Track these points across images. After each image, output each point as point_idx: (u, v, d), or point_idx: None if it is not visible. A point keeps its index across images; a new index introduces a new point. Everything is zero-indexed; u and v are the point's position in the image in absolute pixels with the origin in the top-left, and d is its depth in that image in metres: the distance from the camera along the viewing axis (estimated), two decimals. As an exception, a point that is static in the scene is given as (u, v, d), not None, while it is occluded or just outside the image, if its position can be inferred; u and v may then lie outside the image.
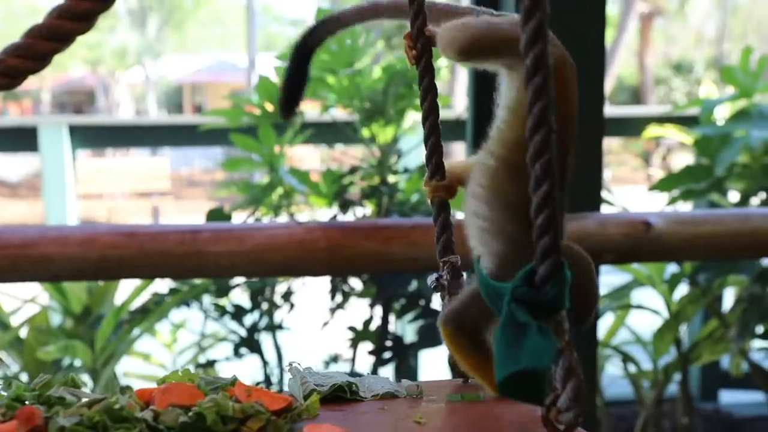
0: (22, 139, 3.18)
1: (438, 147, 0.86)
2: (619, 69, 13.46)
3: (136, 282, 2.24)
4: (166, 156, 10.45)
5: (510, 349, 0.64)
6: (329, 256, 1.50)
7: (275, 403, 0.69)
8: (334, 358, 2.37)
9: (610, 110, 3.18)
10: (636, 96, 14.96)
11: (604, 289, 2.39)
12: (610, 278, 2.57)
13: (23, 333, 2.21)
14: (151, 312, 2.17)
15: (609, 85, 11.38)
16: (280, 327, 2.36)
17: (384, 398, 0.78)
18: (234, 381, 0.73)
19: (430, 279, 0.85)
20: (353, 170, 2.37)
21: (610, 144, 10.48)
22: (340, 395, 0.77)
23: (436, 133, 0.86)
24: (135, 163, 9.40)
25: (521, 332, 0.64)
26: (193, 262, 1.50)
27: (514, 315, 0.65)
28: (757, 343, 2.63)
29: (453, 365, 0.83)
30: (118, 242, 1.50)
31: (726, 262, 2.05)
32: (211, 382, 0.73)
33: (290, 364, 0.80)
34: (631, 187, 9.38)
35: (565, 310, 0.65)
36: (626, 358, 2.35)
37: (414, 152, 2.66)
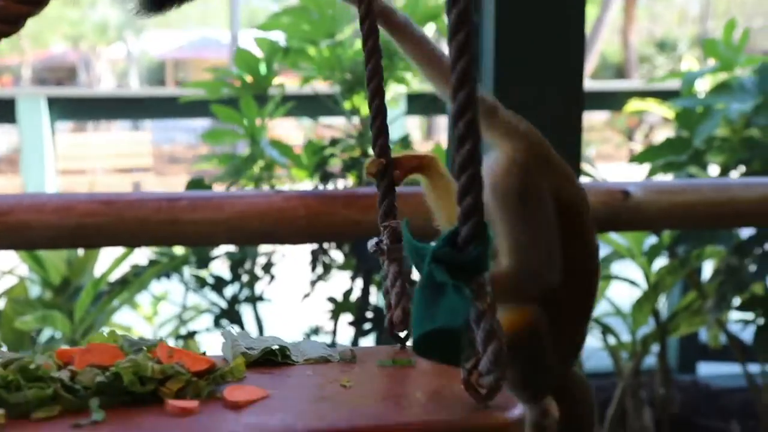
0: (1, 110, 3.15)
1: (383, 129, 0.84)
2: (603, 46, 13.46)
3: (115, 254, 2.23)
4: (148, 132, 10.38)
5: (427, 308, 0.64)
6: (308, 224, 1.50)
7: (197, 364, 0.69)
8: (315, 330, 2.37)
9: (592, 84, 3.18)
10: (619, 73, 14.97)
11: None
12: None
13: (1, 304, 2.20)
14: (130, 283, 2.16)
15: (592, 62, 11.38)
16: (260, 299, 2.36)
17: (317, 363, 0.77)
18: (158, 342, 0.72)
19: (370, 243, 0.84)
20: (334, 142, 2.36)
21: (594, 121, 10.49)
22: (272, 359, 0.76)
23: (382, 116, 0.85)
24: (116, 138, 9.33)
25: (439, 292, 0.64)
26: (170, 230, 1.49)
27: (433, 275, 0.64)
28: (734, 315, 2.66)
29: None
30: (95, 210, 1.49)
31: (704, 233, 2.06)
32: (135, 343, 0.73)
33: (224, 329, 0.79)
34: (614, 164, 9.42)
35: (487, 272, 0.64)
36: (606, 330, 2.37)
37: (395, 124, 2.65)
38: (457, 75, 0.62)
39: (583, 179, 1.60)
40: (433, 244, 0.66)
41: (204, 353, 0.74)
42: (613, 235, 2.31)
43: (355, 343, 2.24)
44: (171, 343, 0.78)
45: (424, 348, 0.65)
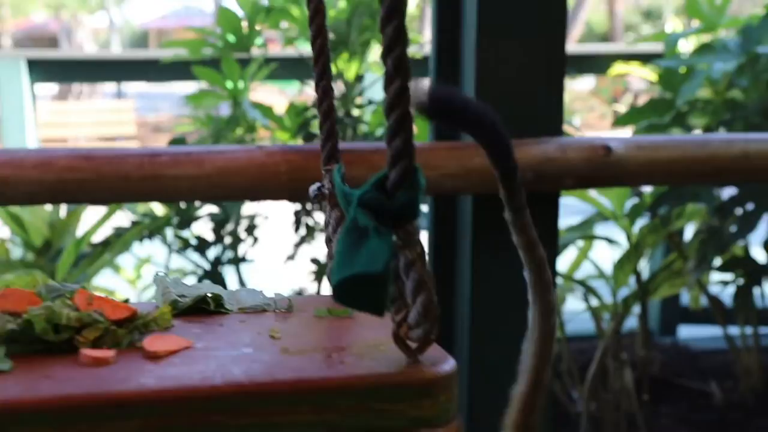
0: (-20, 74, 3.11)
1: (331, 112, 0.81)
2: (589, 15, 13.42)
3: (97, 215, 2.22)
4: (131, 100, 10.29)
5: (347, 254, 0.60)
6: (290, 179, 1.49)
7: (117, 312, 0.65)
8: (299, 293, 2.37)
9: (576, 48, 3.17)
10: (605, 41, 14.94)
11: (567, 221, 2.41)
12: (572, 209, 2.60)
13: (-18, 266, 2.18)
14: (112, 244, 2.15)
15: (578, 31, 11.34)
16: (243, 260, 2.35)
17: (252, 312, 0.74)
18: (78, 288, 0.68)
19: (312, 188, 0.81)
20: (313, 105, 2.36)
21: (579, 91, 10.48)
22: (205, 308, 0.73)
23: (329, 98, 0.81)
24: (99, 107, 9.24)
25: (361, 237, 0.60)
26: (151, 185, 1.48)
27: (357, 220, 0.61)
28: (715, 277, 2.68)
29: None
30: (75, 165, 1.48)
31: (685, 192, 2.07)
32: (55, 289, 0.69)
33: (156, 274, 0.76)
34: (599, 133, 9.41)
35: (417, 219, 0.60)
36: (588, 290, 2.38)
37: (378, 85, 2.64)
38: (386, 8, 0.57)
39: (565, 136, 1.59)
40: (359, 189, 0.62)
41: (127, 300, 0.70)
42: (595, 194, 2.31)
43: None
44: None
45: (343, 295, 0.60)
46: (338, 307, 0.75)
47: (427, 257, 0.61)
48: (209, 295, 0.74)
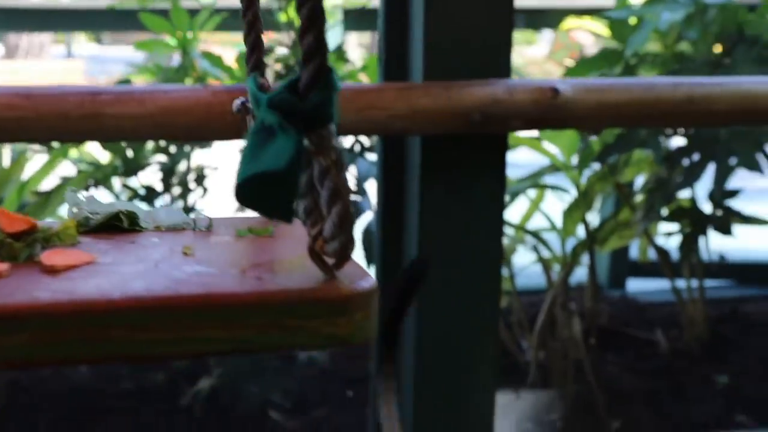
0: None
1: (256, 22, 0.78)
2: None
3: (41, 162, 2.18)
4: (81, 61, 10.07)
5: (253, 153, 0.57)
6: (237, 119, 1.47)
7: (14, 225, 0.63)
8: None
9: (529, 2, 3.17)
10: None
11: (517, 173, 2.42)
12: (522, 160, 2.61)
13: None
14: (56, 193, 2.11)
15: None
16: (192, 209, 2.33)
17: (171, 231, 0.72)
18: None
19: (236, 103, 0.79)
20: (267, 51, 2.33)
21: (533, 55, 10.51)
22: (118, 225, 0.71)
23: (254, 6, 0.79)
24: (48, 67, 9.03)
25: (268, 136, 0.57)
26: (92, 124, 1.45)
27: (264, 120, 0.58)
28: (662, 228, 2.72)
29: None
30: (14, 104, 1.44)
31: (632, 138, 2.09)
32: None
33: (67, 191, 0.73)
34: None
35: (333, 124, 0.58)
36: (539, 240, 2.40)
37: (330, 32, 2.61)
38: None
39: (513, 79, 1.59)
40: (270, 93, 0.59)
41: (26, 213, 0.68)
42: (547, 146, 2.33)
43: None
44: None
45: (245, 195, 0.57)
46: (260, 226, 0.73)
47: (344, 165, 0.58)
48: (123, 211, 0.71)
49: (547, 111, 1.56)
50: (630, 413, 2.23)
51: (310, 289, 0.58)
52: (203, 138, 1.56)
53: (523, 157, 2.75)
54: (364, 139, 2.27)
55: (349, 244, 0.58)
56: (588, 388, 2.30)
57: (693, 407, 2.29)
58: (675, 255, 2.66)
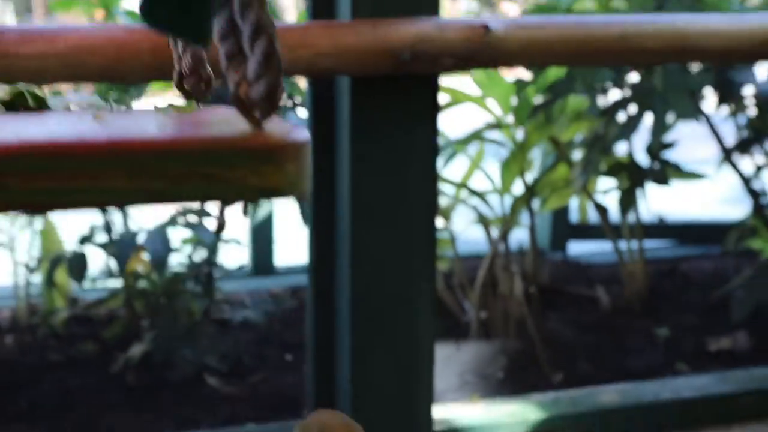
0: None
1: None
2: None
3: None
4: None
5: None
6: (153, 58, 1.39)
7: None
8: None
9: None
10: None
11: (457, 132, 2.39)
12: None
13: None
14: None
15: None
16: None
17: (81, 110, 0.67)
18: None
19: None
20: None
21: (469, 4, 10.55)
22: (25, 105, 0.65)
23: None
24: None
25: None
26: (-3, 64, 1.36)
27: None
28: (601, 185, 2.71)
29: None
30: None
31: (565, 84, 2.06)
32: None
33: None
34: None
35: None
36: (479, 196, 2.36)
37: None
38: None
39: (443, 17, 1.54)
40: None
41: None
42: (483, 99, 2.29)
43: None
44: None
45: (152, 13, 0.51)
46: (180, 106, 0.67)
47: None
48: (28, 90, 0.66)
49: (479, 49, 1.52)
50: (572, 365, 2.22)
51: (230, 136, 0.53)
52: (117, 80, 1.48)
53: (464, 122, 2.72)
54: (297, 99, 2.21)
55: (277, 85, 0.52)
56: (530, 343, 2.28)
57: (634, 358, 2.28)
58: (615, 215, 2.66)
